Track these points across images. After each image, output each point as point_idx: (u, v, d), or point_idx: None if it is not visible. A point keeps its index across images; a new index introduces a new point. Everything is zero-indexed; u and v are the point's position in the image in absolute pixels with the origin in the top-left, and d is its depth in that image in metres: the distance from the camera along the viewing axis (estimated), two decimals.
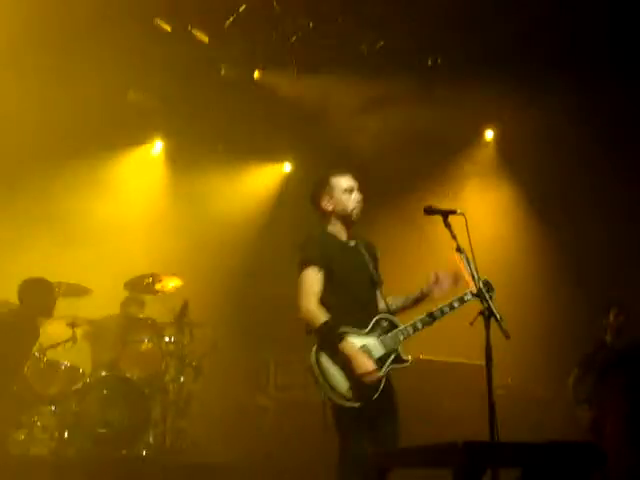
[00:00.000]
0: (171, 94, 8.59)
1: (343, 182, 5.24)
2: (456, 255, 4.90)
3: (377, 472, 3.30)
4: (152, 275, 8.09)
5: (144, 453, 7.23)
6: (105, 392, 7.26)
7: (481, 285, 4.60)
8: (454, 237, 4.83)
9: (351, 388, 4.80)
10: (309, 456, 7.17)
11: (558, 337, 7.64)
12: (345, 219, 5.23)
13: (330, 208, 5.22)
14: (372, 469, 3.31)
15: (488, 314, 4.47)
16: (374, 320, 5.03)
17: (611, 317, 7.42)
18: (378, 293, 5.23)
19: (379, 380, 4.87)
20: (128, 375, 7.45)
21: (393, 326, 5.06)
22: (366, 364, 4.81)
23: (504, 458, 3.15)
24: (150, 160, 9.65)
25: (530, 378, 8.26)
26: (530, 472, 3.03)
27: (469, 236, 4.70)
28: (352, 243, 5.25)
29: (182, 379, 7.80)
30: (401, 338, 5.01)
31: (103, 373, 7.38)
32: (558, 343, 7.93)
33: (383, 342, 4.99)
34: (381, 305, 5.21)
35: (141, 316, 8.17)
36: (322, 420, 4.88)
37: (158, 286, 8.12)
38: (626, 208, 8.26)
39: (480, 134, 9.45)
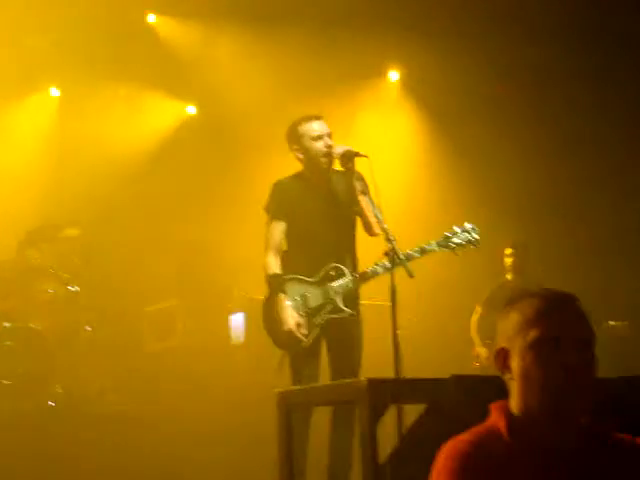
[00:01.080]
0: (67, 39, 8.32)
1: (311, 129, 5.13)
2: (361, 198, 4.96)
3: (284, 410, 3.34)
4: (51, 224, 7.94)
5: (51, 404, 7.16)
6: (8, 343, 7.14)
7: (385, 226, 4.65)
8: (359, 179, 4.89)
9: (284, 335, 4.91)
10: (216, 401, 7.23)
11: (466, 275, 7.75)
12: (316, 165, 5.14)
13: (300, 156, 5.17)
14: (279, 407, 3.34)
15: (392, 254, 4.54)
16: (326, 269, 5.04)
17: (505, 257, 7.60)
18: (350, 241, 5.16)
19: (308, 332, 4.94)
20: (32, 325, 7.33)
21: (341, 276, 5.05)
22: (287, 323, 4.87)
23: (407, 394, 3.23)
24: (46, 106, 9.36)
25: (435, 316, 8.39)
26: (434, 407, 3.11)
27: (374, 178, 4.76)
28: (322, 189, 5.17)
29: (88, 328, 7.73)
30: (344, 287, 5.00)
31: (6, 324, 7.24)
32: (466, 281, 8.03)
33: (324, 291, 5.02)
34: (348, 256, 5.14)
35: (42, 265, 7.99)
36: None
37: (58, 234, 7.96)
38: (534, 143, 8.36)
39: (384, 75, 9.36)
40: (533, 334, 2.03)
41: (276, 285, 4.99)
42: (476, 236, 5.11)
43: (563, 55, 8.01)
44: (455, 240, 5.06)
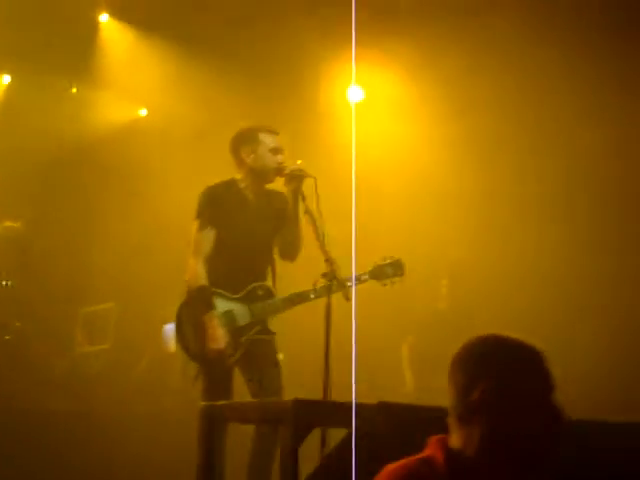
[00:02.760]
0: (22, 27, 8.14)
1: (271, 141, 5.08)
2: (304, 218, 4.95)
3: (208, 424, 3.32)
4: None
5: None
6: None
7: (326, 248, 4.63)
8: (303, 200, 4.88)
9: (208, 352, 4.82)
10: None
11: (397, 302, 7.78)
12: (260, 177, 5.09)
13: (248, 161, 5.08)
14: (203, 421, 3.32)
15: (331, 276, 4.54)
16: (250, 287, 4.98)
17: (442, 287, 7.72)
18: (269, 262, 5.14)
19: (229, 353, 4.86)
20: None
21: (269, 296, 5.01)
22: (218, 343, 4.78)
23: (332, 418, 3.23)
24: None
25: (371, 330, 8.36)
26: (358, 433, 3.10)
27: (318, 200, 4.75)
28: (254, 201, 5.12)
29: (17, 324, 7.60)
30: (273, 309, 4.97)
31: None
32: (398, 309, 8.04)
33: (252, 310, 4.95)
34: (267, 274, 5.12)
35: None
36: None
37: None
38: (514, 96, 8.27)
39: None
40: (528, 389, 2.08)
41: (206, 299, 4.85)
42: (402, 270, 5.13)
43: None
44: (386, 271, 5.08)
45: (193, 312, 4.88)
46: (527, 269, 7.73)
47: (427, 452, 2.11)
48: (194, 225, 5.02)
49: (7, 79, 9.11)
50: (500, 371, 2.10)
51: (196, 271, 4.89)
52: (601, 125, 7.57)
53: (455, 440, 2.10)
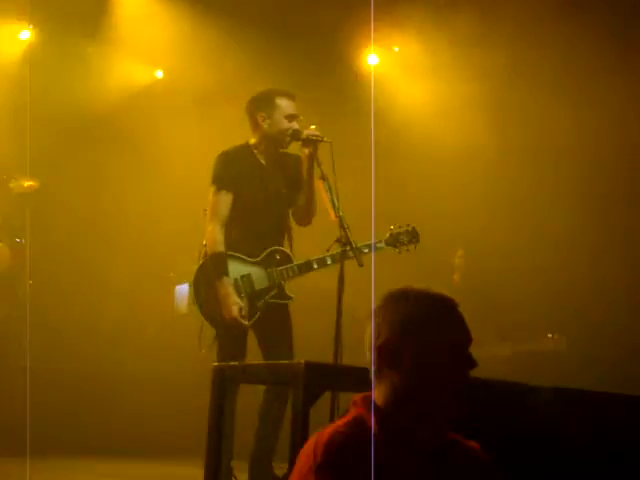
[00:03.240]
0: None
1: (288, 107, 5.07)
2: (320, 183, 4.95)
3: (219, 384, 3.34)
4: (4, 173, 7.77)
5: None
6: None
7: (340, 214, 4.64)
8: (319, 165, 4.87)
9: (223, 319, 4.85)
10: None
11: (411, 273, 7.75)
12: (275, 142, 5.09)
13: (264, 126, 5.07)
14: (215, 381, 3.34)
15: (344, 242, 4.55)
16: (268, 250, 5.00)
17: (456, 258, 7.68)
18: (287, 227, 5.15)
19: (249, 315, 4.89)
20: None
21: (287, 260, 5.03)
22: (231, 310, 4.81)
23: (344, 382, 3.24)
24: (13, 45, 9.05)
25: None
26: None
27: (334, 165, 4.75)
28: (269, 166, 5.12)
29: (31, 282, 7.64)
30: (290, 274, 5.00)
31: None
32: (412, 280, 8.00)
33: (269, 274, 4.97)
34: (284, 239, 5.14)
35: None
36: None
37: (10, 183, 7.77)
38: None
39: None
40: (434, 337, 2.07)
41: (220, 266, 4.88)
42: (417, 237, 5.11)
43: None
44: (401, 239, 5.08)
45: (208, 278, 4.92)
46: (542, 240, 7.67)
47: (354, 412, 2.10)
48: (210, 190, 5.04)
49: (26, 34, 9.01)
50: (405, 322, 2.08)
51: (214, 237, 4.91)
52: (623, 87, 7.44)
53: (377, 396, 2.10)
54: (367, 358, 2.14)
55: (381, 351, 2.09)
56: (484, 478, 2.14)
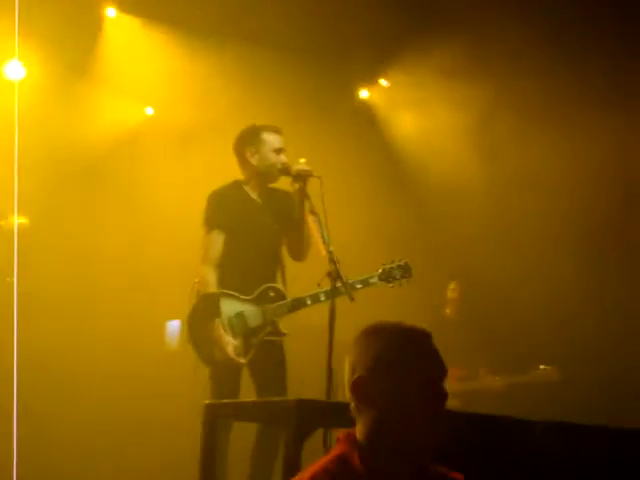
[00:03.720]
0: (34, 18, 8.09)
1: (275, 140, 5.12)
2: (309, 217, 4.96)
3: (211, 422, 3.32)
4: None
5: None
6: None
7: (330, 248, 4.63)
8: (308, 199, 4.89)
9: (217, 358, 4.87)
10: None
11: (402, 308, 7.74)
12: (264, 177, 5.12)
13: (253, 161, 5.10)
14: (207, 418, 3.32)
15: (335, 276, 4.54)
16: (262, 288, 5.01)
17: (449, 291, 7.64)
18: (278, 264, 5.18)
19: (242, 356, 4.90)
20: None
21: (280, 297, 5.04)
22: (226, 351, 4.82)
23: (336, 418, 3.22)
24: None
25: None
26: None
27: (323, 199, 4.75)
28: (260, 202, 5.15)
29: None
30: (284, 311, 5.01)
31: None
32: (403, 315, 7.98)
33: (263, 312, 4.98)
34: (277, 275, 5.16)
35: None
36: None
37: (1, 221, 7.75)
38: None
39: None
40: (404, 372, 2.06)
41: (211, 307, 4.89)
42: (409, 272, 5.12)
43: None
44: (394, 274, 5.08)
45: (201, 318, 4.93)
46: (538, 273, 7.65)
47: (337, 449, 2.11)
48: (202, 230, 5.04)
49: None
50: (376, 358, 2.08)
51: (206, 279, 4.93)
52: (610, 115, 7.45)
53: (357, 432, 2.11)
54: (347, 395, 2.15)
55: (355, 388, 2.10)
56: None
